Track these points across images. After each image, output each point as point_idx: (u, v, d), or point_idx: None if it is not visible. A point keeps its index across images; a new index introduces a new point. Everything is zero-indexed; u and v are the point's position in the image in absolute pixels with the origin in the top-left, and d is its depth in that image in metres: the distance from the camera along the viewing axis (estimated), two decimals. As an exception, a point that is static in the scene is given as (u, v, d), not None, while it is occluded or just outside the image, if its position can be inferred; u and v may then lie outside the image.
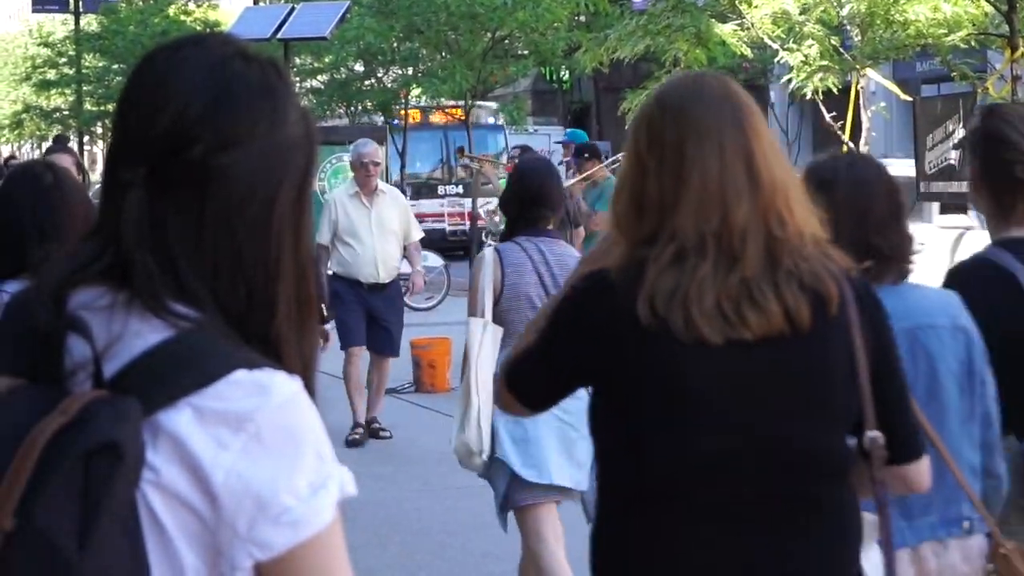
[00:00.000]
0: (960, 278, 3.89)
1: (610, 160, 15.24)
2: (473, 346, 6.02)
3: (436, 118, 30.83)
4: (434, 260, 21.78)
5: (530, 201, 6.17)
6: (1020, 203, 3.92)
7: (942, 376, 3.56)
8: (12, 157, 19.21)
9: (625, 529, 2.80)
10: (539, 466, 6.01)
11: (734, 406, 2.70)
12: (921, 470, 2.95)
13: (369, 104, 32.37)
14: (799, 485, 2.74)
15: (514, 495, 6.09)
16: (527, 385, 3.02)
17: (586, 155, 14.59)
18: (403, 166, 30.15)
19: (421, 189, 29.71)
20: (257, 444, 1.62)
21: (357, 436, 10.74)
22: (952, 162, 14.82)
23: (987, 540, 3.60)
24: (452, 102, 29.24)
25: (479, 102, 31.61)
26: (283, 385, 1.66)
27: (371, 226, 10.89)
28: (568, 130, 21.10)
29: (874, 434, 2.82)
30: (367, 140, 11.55)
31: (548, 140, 31.60)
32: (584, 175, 14.15)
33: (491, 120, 30.99)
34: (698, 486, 2.72)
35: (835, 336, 2.74)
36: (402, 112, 30.30)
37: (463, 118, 28.62)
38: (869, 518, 2.94)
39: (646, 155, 2.80)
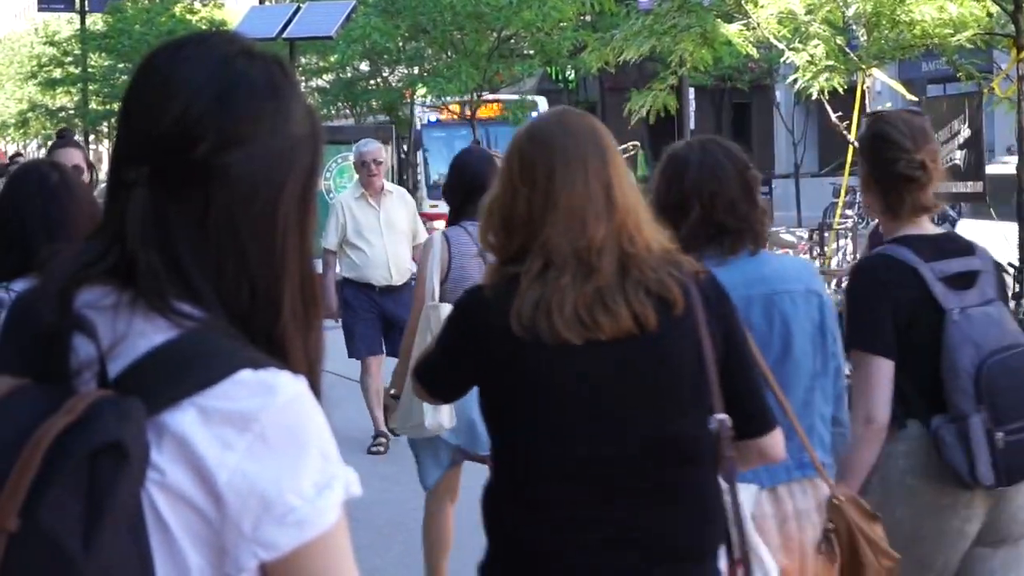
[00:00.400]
0: (867, 273, 4.38)
1: (620, 148, 15.09)
2: None
3: (488, 112, 29.74)
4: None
5: (472, 189, 6.45)
6: (907, 199, 4.33)
7: (796, 335, 3.94)
8: (19, 154, 19.18)
9: (514, 535, 3.14)
10: (469, 432, 6.35)
11: (599, 404, 3.08)
12: (774, 442, 3.33)
13: (374, 103, 32.37)
14: (663, 472, 3.10)
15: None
16: (432, 381, 3.46)
17: None
18: (416, 165, 29.68)
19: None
20: (262, 444, 1.61)
21: (380, 448, 10.58)
22: (958, 162, 14.78)
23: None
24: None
25: (533, 96, 30.85)
26: (288, 385, 1.65)
27: (380, 227, 10.67)
28: None
29: (721, 417, 3.17)
30: (369, 139, 11.39)
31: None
32: None
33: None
34: (572, 482, 3.08)
35: (682, 335, 3.11)
36: (454, 108, 29.33)
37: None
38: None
39: (518, 180, 3.20)
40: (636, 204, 3.19)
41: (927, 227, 4.38)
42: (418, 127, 31.60)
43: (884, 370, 4.20)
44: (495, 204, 3.25)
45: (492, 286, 3.18)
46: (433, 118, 30.89)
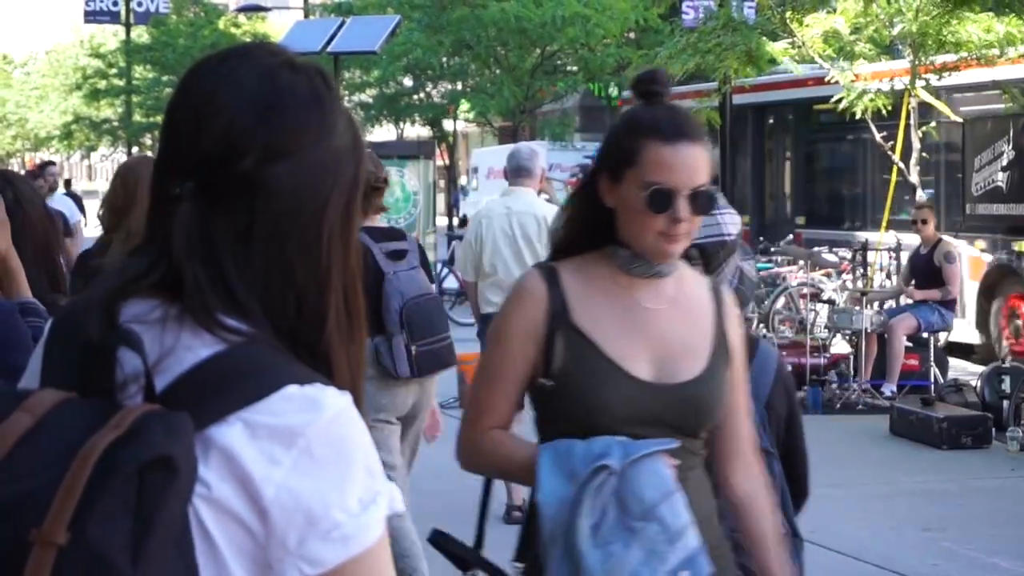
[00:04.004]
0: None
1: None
2: None
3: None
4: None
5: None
6: (373, 203, 6.96)
7: None
8: (50, 163, 19.15)
9: None
10: None
11: None
12: None
13: (418, 118, 32.40)
14: None
15: None
16: None
17: None
18: (453, 179, 28.67)
19: None
20: (308, 459, 1.61)
21: None
22: (1000, 184, 14.69)
23: None
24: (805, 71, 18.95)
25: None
26: (334, 400, 1.65)
27: None
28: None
29: None
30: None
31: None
32: None
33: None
34: None
35: None
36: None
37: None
38: None
39: (132, 186, 5.45)
40: None
41: (378, 222, 7.19)
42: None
43: None
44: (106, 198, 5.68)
45: (96, 248, 5.63)
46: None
